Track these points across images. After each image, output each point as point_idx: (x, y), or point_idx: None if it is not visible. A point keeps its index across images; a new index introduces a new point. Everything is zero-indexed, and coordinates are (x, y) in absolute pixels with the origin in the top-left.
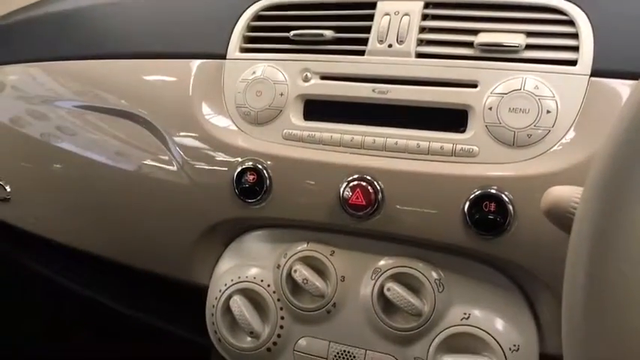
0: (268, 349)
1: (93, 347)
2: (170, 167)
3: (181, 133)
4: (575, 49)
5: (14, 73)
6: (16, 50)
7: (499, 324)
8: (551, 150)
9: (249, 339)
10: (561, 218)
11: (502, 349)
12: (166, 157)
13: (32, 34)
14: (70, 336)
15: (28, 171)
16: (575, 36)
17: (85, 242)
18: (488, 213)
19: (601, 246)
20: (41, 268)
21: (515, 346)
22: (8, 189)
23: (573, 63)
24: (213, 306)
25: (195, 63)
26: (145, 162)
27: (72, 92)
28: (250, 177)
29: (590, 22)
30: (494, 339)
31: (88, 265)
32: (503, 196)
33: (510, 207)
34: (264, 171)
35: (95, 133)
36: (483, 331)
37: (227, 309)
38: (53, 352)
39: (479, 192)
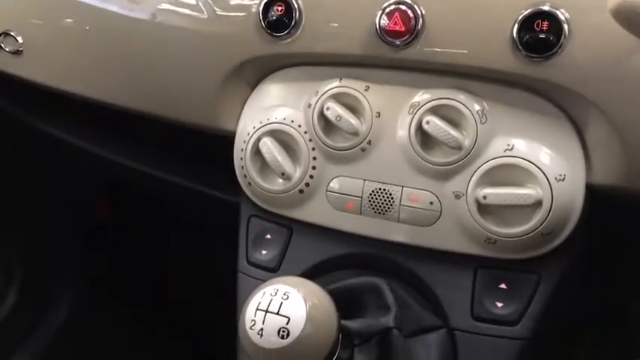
0: (300, 191)
1: (114, 211)
2: (191, 4)
3: None
4: None
5: None
6: None
7: (544, 153)
8: None
9: (280, 181)
10: (633, 16)
11: (547, 179)
12: None
13: None
14: (89, 202)
15: (40, 24)
16: None
17: (105, 92)
18: (540, 32)
19: None
20: (55, 130)
21: (561, 175)
22: (20, 40)
23: None
24: (242, 150)
25: None
26: (162, 3)
27: None
28: (278, 8)
29: None
30: (539, 169)
31: (105, 124)
32: (558, 13)
33: (565, 25)
34: (293, 1)
35: None
36: (527, 161)
37: (256, 152)
38: (75, 218)
39: (530, 10)
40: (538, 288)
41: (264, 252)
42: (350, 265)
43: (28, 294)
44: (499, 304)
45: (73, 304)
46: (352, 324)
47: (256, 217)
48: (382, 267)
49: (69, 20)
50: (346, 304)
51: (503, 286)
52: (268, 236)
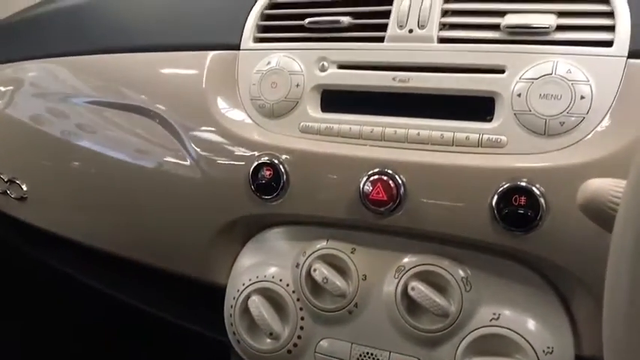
0: (289, 351)
1: (114, 347)
2: (185, 164)
3: (196, 128)
4: (611, 28)
5: (32, 70)
6: (32, 46)
7: (531, 325)
8: (586, 139)
9: (268, 340)
10: (599, 213)
11: (535, 351)
12: (182, 154)
13: (47, 29)
14: (91, 336)
15: (45, 169)
16: (610, 15)
17: (102, 240)
18: (518, 207)
19: None
20: (61, 265)
21: (549, 348)
22: (25, 188)
23: (609, 44)
24: (232, 306)
25: (209, 55)
26: (161, 159)
27: (89, 88)
28: (267, 172)
29: None
30: (527, 341)
31: (107, 264)
32: (534, 189)
33: (542, 200)
34: (281, 166)
35: (113, 130)
36: (514, 332)
37: (245, 309)
38: (75, 351)
39: (508, 185)
40: None
41: None
42: None
43: None
44: None
45: None
46: None
47: None
48: None
49: (73, 167)
50: None
51: None
52: None
